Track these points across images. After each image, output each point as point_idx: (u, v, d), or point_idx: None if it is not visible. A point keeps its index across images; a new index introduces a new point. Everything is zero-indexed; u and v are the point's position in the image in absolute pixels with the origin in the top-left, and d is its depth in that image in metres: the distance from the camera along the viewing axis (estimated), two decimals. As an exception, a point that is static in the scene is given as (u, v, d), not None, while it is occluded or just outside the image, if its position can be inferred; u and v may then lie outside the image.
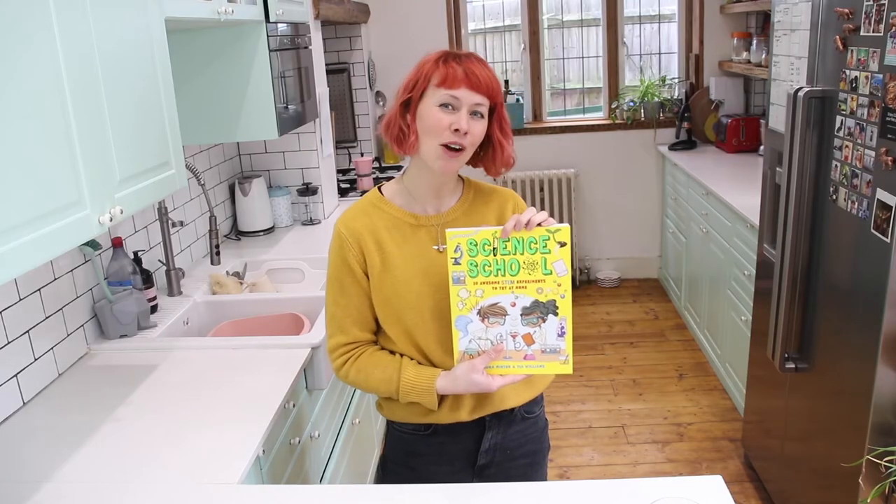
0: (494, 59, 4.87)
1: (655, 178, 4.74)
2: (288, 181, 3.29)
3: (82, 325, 1.97)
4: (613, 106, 4.67)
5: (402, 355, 1.47)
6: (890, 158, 1.74)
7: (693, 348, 3.91)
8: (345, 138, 4.23)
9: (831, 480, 2.11)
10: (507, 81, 4.75)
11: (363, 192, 3.70)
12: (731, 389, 3.31)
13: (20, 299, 1.72)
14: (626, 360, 3.82)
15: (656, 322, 4.28)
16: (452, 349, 1.41)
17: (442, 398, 1.45)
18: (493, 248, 1.32)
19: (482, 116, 1.38)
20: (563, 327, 1.36)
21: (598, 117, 4.85)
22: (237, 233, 3.09)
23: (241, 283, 2.50)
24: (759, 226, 2.63)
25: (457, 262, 1.33)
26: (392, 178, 4.17)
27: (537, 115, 4.81)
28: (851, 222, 1.95)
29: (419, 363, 1.46)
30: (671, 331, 4.15)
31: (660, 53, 4.79)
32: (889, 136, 1.75)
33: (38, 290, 1.79)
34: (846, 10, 1.93)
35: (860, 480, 1.87)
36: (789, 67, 2.35)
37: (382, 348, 1.50)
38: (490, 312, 1.36)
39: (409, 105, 1.40)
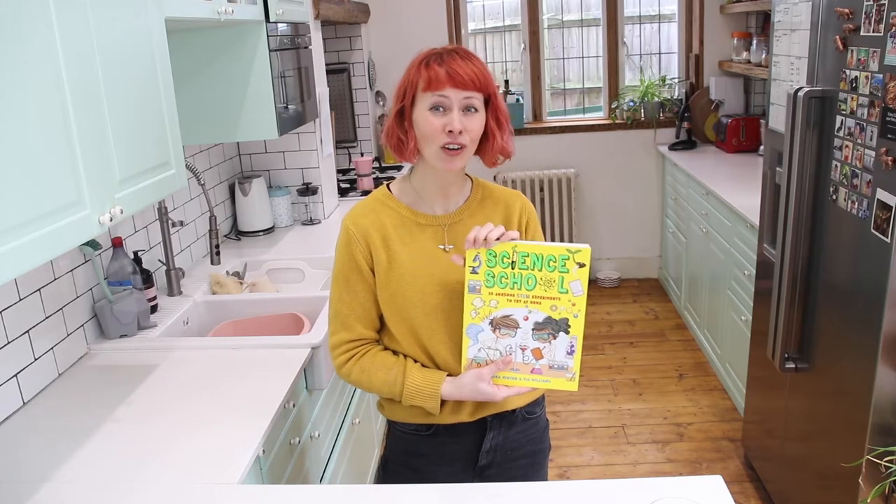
0: (494, 59, 4.87)
1: (655, 178, 4.74)
2: (288, 181, 3.29)
3: (82, 325, 1.97)
4: (613, 106, 4.67)
5: (406, 357, 1.47)
6: (890, 158, 1.74)
7: (693, 348, 3.91)
8: (345, 138, 4.23)
9: (831, 480, 2.11)
10: (507, 81, 4.75)
11: (363, 192, 3.70)
12: (731, 389, 3.31)
13: (20, 299, 1.72)
14: (626, 360, 3.82)
15: (656, 322, 4.28)
16: (456, 348, 1.42)
17: (444, 401, 1.45)
18: (512, 262, 1.33)
19: (477, 110, 1.37)
20: (573, 346, 1.37)
21: (598, 117, 4.85)
22: (237, 233, 3.09)
23: (241, 283, 2.50)
24: (759, 226, 2.63)
25: (474, 272, 1.34)
26: (393, 177, 4.17)
27: (537, 115, 4.81)
28: (851, 222, 1.95)
29: (423, 365, 1.46)
30: (671, 331, 4.15)
31: (660, 53, 4.79)
32: (889, 136, 1.75)
33: (38, 290, 1.79)
34: (846, 10, 1.93)
35: (860, 480, 1.87)
36: (789, 67, 2.35)
37: (386, 348, 1.50)
38: (502, 324, 1.36)
39: (403, 113, 1.40)
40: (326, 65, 3.68)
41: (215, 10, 1.98)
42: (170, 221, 2.36)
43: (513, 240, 1.32)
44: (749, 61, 4.07)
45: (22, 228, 1.15)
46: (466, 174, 1.51)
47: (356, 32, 4.24)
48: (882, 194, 1.78)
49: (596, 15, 4.75)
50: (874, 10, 1.80)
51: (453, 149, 1.36)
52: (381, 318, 1.49)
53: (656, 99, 4.60)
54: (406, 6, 4.44)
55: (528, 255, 1.32)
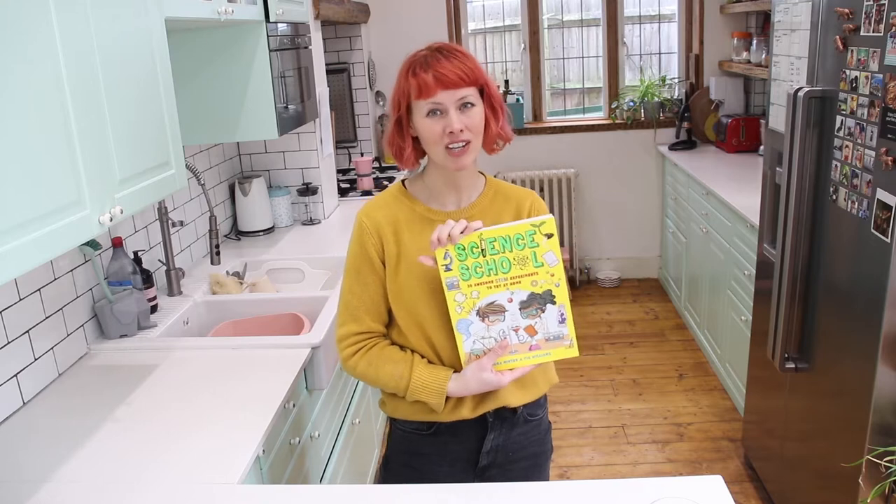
0: (494, 59, 4.87)
1: (655, 178, 4.74)
2: (288, 181, 3.29)
3: (82, 325, 1.97)
4: (613, 106, 4.67)
5: (413, 352, 1.47)
6: (890, 158, 1.74)
7: (693, 348, 3.91)
8: (345, 138, 4.23)
9: (831, 480, 2.11)
10: (507, 81, 4.75)
11: (363, 193, 3.70)
12: (731, 389, 3.31)
13: (20, 299, 1.72)
14: (626, 360, 3.82)
15: (656, 322, 4.28)
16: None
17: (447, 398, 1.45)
18: (482, 250, 1.33)
19: (473, 105, 1.37)
20: (562, 314, 1.37)
21: (598, 117, 4.85)
22: (237, 233, 3.09)
23: (241, 283, 2.50)
24: (759, 226, 2.63)
25: (448, 269, 1.34)
26: (393, 177, 4.13)
27: (537, 115, 4.81)
28: (851, 222, 1.95)
29: (429, 361, 1.46)
30: (671, 331, 4.15)
31: (660, 53, 4.79)
32: (889, 135, 1.75)
33: (38, 290, 1.79)
34: (846, 10, 1.93)
35: (860, 480, 1.87)
36: (789, 67, 2.35)
37: (393, 343, 1.50)
38: (489, 311, 1.36)
39: (401, 122, 1.42)
40: (326, 65, 3.68)
41: (215, 10, 1.98)
42: (170, 221, 2.36)
43: (476, 230, 1.32)
44: (749, 61, 4.07)
45: (22, 228, 1.15)
46: (480, 172, 1.53)
47: (356, 32, 4.24)
48: (882, 194, 1.78)
49: (596, 15, 4.75)
50: (874, 10, 1.80)
51: (457, 148, 1.37)
52: (389, 313, 1.50)
53: (656, 99, 4.60)
54: (406, 6, 4.44)
55: (495, 240, 1.33)
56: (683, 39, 4.67)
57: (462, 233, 1.31)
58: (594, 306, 4.54)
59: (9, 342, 1.67)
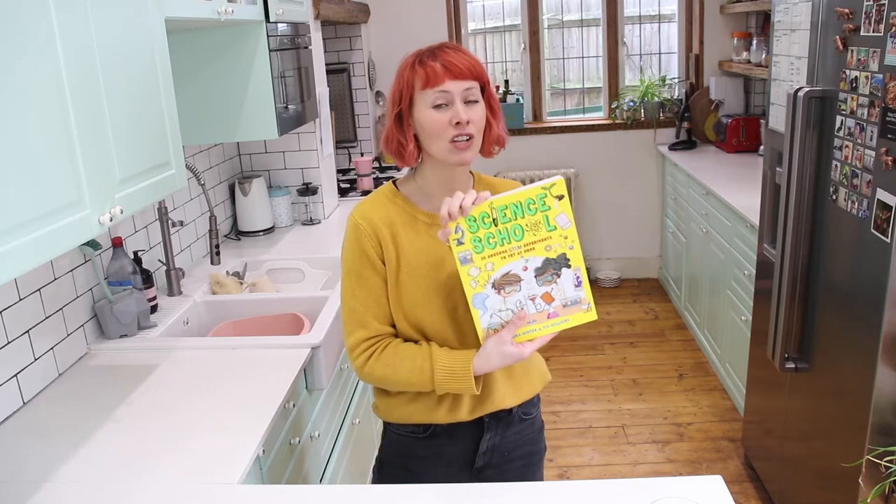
0: (494, 59, 4.87)
1: (655, 178, 4.74)
2: (288, 181, 3.29)
3: (82, 325, 1.97)
4: (613, 106, 4.67)
5: (428, 341, 1.43)
6: (890, 158, 1.74)
7: (693, 348, 3.91)
8: (345, 138, 4.23)
9: (831, 480, 2.11)
10: (507, 81, 4.75)
11: (363, 192, 3.70)
12: (731, 389, 3.31)
13: (20, 299, 1.72)
14: (626, 360, 3.82)
15: (656, 322, 4.28)
16: (465, 345, 1.41)
17: (440, 397, 1.45)
18: (494, 220, 1.29)
19: (477, 101, 1.37)
20: (578, 277, 1.33)
21: (598, 117, 4.85)
22: (237, 233, 3.09)
23: (241, 283, 2.50)
24: (759, 226, 2.63)
25: (460, 243, 1.30)
26: (393, 177, 4.16)
27: (537, 115, 4.81)
28: (851, 222, 1.95)
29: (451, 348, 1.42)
30: (671, 331, 4.15)
31: (660, 53, 4.79)
32: (889, 136, 1.75)
33: (38, 290, 1.79)
34: (846, 10, 1.93)
35: (860, 480, 1.87)
36: (789, 67, 2.35)
37: (406, 340, 1.46)
38: (504, 283, 1.32)
39: (401, 117, 1.39)
40: (326, 65, 3.68)
41: (215, 10, 1.98)
42: (170, 221, 2.36)
43: (486, 199, 1.28)
44: (749, 61, 4.07)
45: (22, 228, 1.15)
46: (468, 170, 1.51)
47: (356, 32, 4.24)
48: (882, 194, 1.78)
49: (596, 15, 4.75)
50: (874, 10, 1.80)
51: (463, 141, 1.35)
52: None
53: (656, 99, 4.60)
54: (406, 6, 4.44)
55: (506, 207, 1.29)
56: (683, 39, 4.67)
57: (473, 203, 1.27)
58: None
59: (9, 342, 1.67)
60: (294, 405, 1.81)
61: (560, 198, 1.29)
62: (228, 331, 2.22)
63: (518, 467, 1.57)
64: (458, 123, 1.33)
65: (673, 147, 4.44)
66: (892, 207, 1.74)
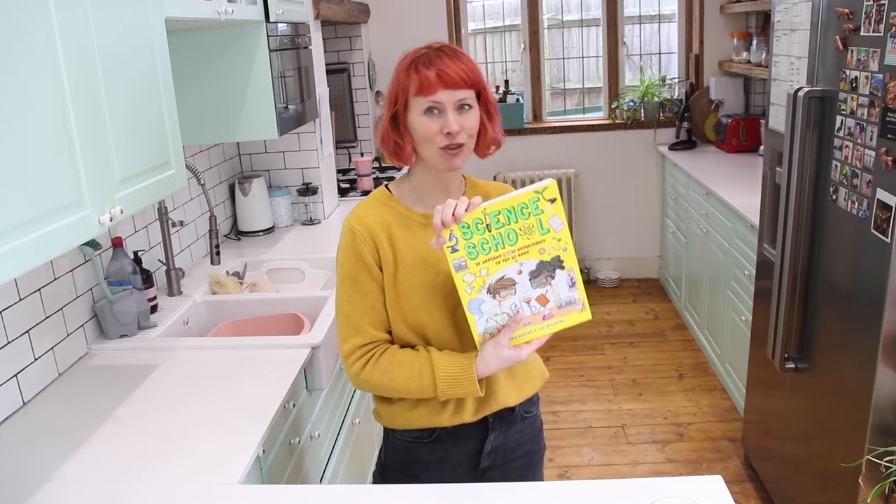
0: (494, 59, 4.87)
1: (655, 178, 4.74)
2: (288, 181, 3.29)
3: (82, 325, 1.97)
4: (613, 106, 4.67)
5: (427, 347, 1.42)
6: (890, 158, 1.74)
7: (693, 348, 3.91)
8: (345, 138, 4.23)
9: (831, 480, 2.11)
10: (507, 81, 4.75)
11: (363, 193, 3.70)
12: (731, 389, 3.31)
13: (20, 299, 1.72)
14: (626, 360, 3.82)
15: (656, 322, 4.28)
16: (465, 347, 1.41)
17: (445, 402, 1.44)
18: (487, 225, 1.29)
19: (471, 107, 1.36)
20: (572, 278, 1.34)
21: (598, 117, 4.85)
22: (237, 233, 3.09)
23: (241, 283, 2.50)
24: (759, 226, 2.63)
25: (454, 250, 1.30)
26: (392, 177, 4.15)
27: (537, 115, 4.81)
28: (851, 222, 1.95)
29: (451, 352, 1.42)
30: (671, 331, 4.15)
31: (660, 53, 4.79)
32: (889, 135, 1.75)
33: (38, 290, 1.79)
34: (846, 10, 1.93)
35: (860, 480, 1.87)
36: (789, 67, 2.35)
37: (403, 346, 1.45)
38: (499, 287, 1.33)
39: (397, 118, 1.39)
40: (326, 65, 3.68)
41: (215, 10, 1.98)
42: (170, 221, 2.36)
43: (478, 205, 1.28)
44: (749, 61, 4.07)
45: (22, 228, 1.15)
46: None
47: (356, 32, 4.24)
48: (882, 194, 1.78)
49: (596, 15, 4.75)
50: (874, 10, 1.80)
51: (453, 148, 1.35)
52: None
53: (656, 99, 4.60)
54: (406, 6, 4.44)
55: (500, 213, 1.29)
56: (683, 39, 4.67)
57: (466, 210, 1.27)
58: (594, 306, 4.49)
59: (9, 342, 1.67)
60: (294, 405, 1.81)
61: (552, 201, 1.29)
62: (228, 331, 2.22)
63: (520, 466, 1.57)
64: (448, 134, 1.34)
65: (673, 147, 4.44)
66: (892, 207, 1.74)
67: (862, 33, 1.86)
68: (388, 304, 1.43)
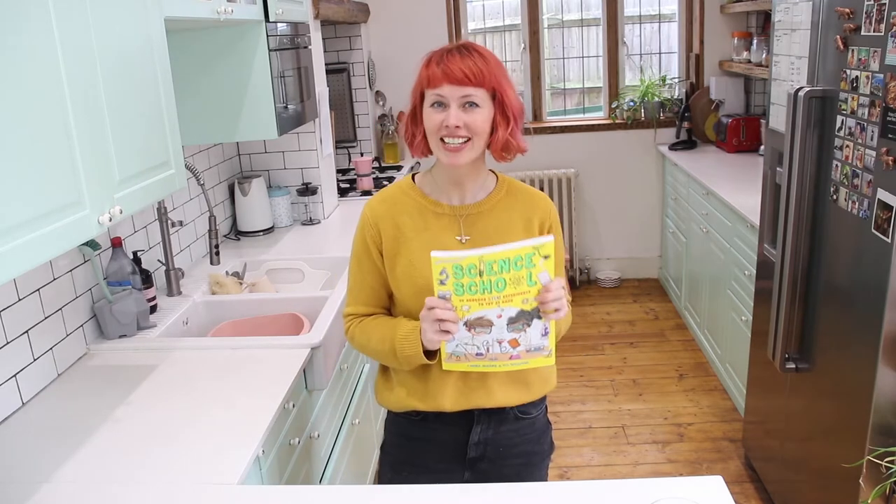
0: (494, 58, 4.86)
1: (655, 178, 4.73)
2: (287, 181, 3.29)
3: (81, 326, 1.96)
4: (613, 106, 4.67)
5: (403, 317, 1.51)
6: (891, 158, 1.74)
7: (693, 348, 3.90)
8: (344, 138, 4.23)
9: (832, 481, 2.11)
10: (507, 81, 4.74)
11: (363, 192, 3.70)
12: (732, 390, 3.31)
13: (19, 299, 1.72)
14: (626, 361, 3.82)
15: (656, 322, 4.28)
16: None
17: (421, 387, 1.51)
18: (480, 271, 1.32)
19: (478, 106, 1.39)
20: (546, 328, 1.38)
21: (598, 117, 4.85)
22: (237, 233, 3.09)
23: (241, 283, 2.50)
24: (760, 226, 2.62)
25: (442, 283, 1.34)
26: (393, 177, 4.12)
27: (537, 115, 4.81)
28: (852, 222, 1.94)
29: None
30: (671, 331, 4.15)
31: (660, 53, 4.79)
32: (890, 135, 1.75)
33: (38, 290, 1.79)
34: (847, 10, 1.93)
35: (861, 481, 1.87)
36: (790, 67, 2.35)
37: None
38: (476, 324, 1.37)
39: (416, 110, 1.46)
40: (326, 64, 3.68)
41: (215, 10, 1.98)
42: (169, 221, 2.36)
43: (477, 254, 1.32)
44: (749, 61, 4.07)
45: (21, 228, 1.15)
46: (491, 170, 1.55)
47: (356, 32, 4.24)
48: (883, 194, 1.78)
49: (596, 15, 4.75)
50: (875, 10, 1.80)
51: (452, 143, 1.39)
52: (390, 296, 1.55)
53: (656, 99, 4.59)
54: (406, 6, 4.44)
55: (495, 262, 1.32)
56: (683, 39, 4.67)
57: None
58: (594, 306, 4.54)
59: (8, 342, 1.67)
60: (294, 405, 1.81)
61: (546, 257, 1.34)
62: (228, 331, 2.22)
63: (516, 465, 1.58)
64: (446, 126, 1.38)
65: (673, 147, 4.44)
66: (892, 207, 1.74)
67: (862, 33, 1.86)
68: (393, 287, 1.51)
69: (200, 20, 1.97)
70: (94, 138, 1.36)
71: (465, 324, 1.36)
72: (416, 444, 1.59)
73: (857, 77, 1.90)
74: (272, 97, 2.42)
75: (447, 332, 1.35)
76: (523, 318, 1.36)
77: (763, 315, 2.53)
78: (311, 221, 3.24)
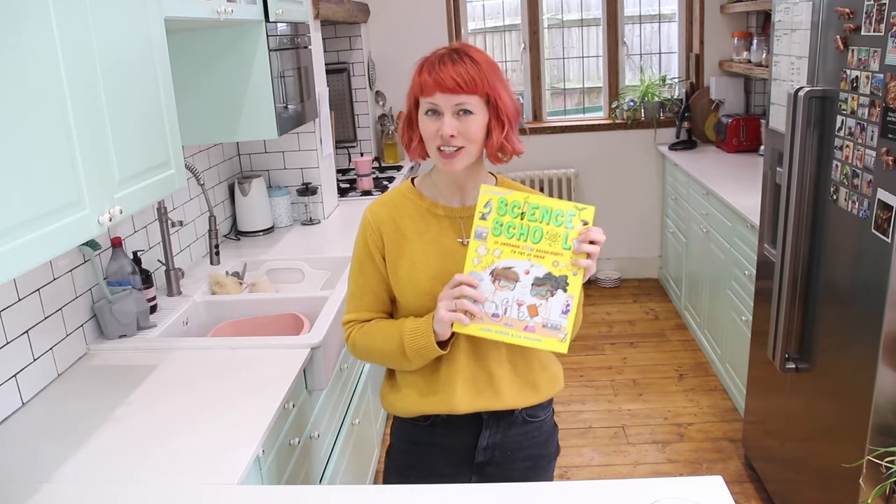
0: (494, 59, 4.85)
1: (655, 178, 4.73)
2: (287, 181, 3.29)
3: (81, 326, 1.96)
4: (613, 106, 4.67)
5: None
6: (891, 158, 1.74)
7: (693, 348, 3.90)
8: (344, 138, 4.23)
9: (832, 481, 2.11)
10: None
11: (363, 193, 3.70)
12: (732, 390, 3.31)
13: (19, 299, 1.71)
14: (626, 361, 3.82)
15: (656, 322, 4.28)
16: (467, 338, 1.43)
17: (433, 389, 1.49)
18: (522, 213, 1.34)
19: (472, 113, 1.37)
20: (568, 305, 1.36)
21: (598, 117, 4.85)
22: (237, 233, 3.09)
23: (241, 284, 2.50)
24: (760, 226, 2.62)
25: (483, 217, 1.35)
26: (393, 177, 4.11)
27: (537, 115, 4.81)
28: (852, 222, 1.94)
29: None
30: (671, 331, 4.15)
31: (660, 53, 4.79)
32: (890, 135, 1.75)
33: (38, 290, 1.79)
34: (847, 10, 1.93)
35: (861, 481, 1.87)
36: (790, 67, 2.35)
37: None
38: (502, 275, 1.35)
39: (411, 114, 1.46)
40: (326, 64, 3.68)
41: (215, 10, 1.98)
42: (169, 221, 2.35)
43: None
44: (749, 61, 4.07)
45: (21, 228, 1.15)
46: (490, 172, 1.55)
47: (356, 32, 4.24)
48: (883, 194, 1.78)
49: (596, 15, 4.75)
50: (875, 10, 1.80)
51: (447, 151, 1.39)
52: (393, 301, 1.54)
53: (656, 99, 4.59)
54: (406, 6, 4.44)
55: (538, 208, 1.34)
56: (683, 39, 4.67)
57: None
58: (594, 306, 4.54)
59: (8, 342, 1.67)
60: (294, 405, 1.81)
61: (585, 223, 1.35)
62: (228, 331, 2.22)
63: (523, 468, 1.58)
64: (441, 136, 1.37)
65: (673, 147, 4.44)
66: (892, 207, 1.74)
67: (862, 33, 1.86)
68: (395, 290, 1.50)
69: (200, 20, 1.97)
70: (94, 138, 1.36)
71: (492, 273, 1.35)
72: (423, 449, 1.57)
73: (857, 77, 1.90)
74: (272, 97, 2.42)
75: (463, 313, 1.33)
76: (549, 283, 1.35)
77: (763, 315, 2.53)
78: (311, 221, 3.24)
